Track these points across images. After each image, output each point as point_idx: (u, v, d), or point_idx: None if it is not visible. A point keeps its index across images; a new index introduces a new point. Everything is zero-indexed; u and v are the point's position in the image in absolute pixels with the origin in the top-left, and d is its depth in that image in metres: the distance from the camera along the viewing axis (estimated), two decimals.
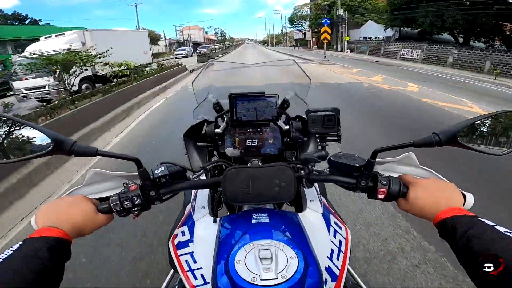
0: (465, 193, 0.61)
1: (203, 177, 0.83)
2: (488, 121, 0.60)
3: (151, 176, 0.64)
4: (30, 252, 0.45)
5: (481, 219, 0.49)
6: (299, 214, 0.78)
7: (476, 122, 0.59)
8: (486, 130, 0.61)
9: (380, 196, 0.64)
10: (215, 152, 1.09)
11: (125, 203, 0.62)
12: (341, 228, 0.78)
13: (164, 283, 1.03)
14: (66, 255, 0.52)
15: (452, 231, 0.50)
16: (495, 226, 0.46)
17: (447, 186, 0.61)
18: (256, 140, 0.96)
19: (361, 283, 0.90)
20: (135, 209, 0.63)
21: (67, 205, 0.58)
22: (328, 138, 0.71)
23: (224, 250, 0.60)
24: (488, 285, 0.39)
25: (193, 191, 0.98)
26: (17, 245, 0.46)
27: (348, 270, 0.91)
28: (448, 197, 0.58)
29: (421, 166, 0.73)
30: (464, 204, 0.59)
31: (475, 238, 0.45)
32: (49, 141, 0.54)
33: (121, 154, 0.61)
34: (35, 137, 0.56)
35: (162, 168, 0.65)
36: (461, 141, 0.58)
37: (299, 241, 0.62)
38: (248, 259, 0.54)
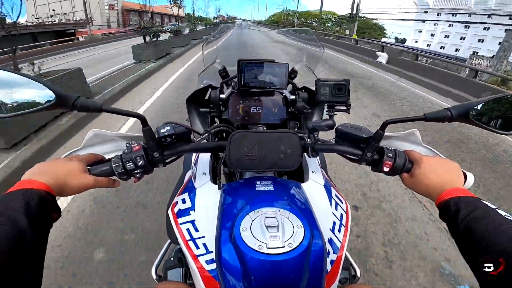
0: (466, 172, 0.62)
1: (205, 142, 0.82)
2: (501, 101, 0.59)
3: (156, 136, 0.62)
4: (1, 210, 0.39)
5: (484, 201, 0.49)
6: (302, 184, 0.78)
7: (489, 101, 0.58)
8: (498, 110, 0.60)
9: (385, 169, 0.64)
10: (216, 119, 1.08)
11: (127, 165, 0.60)
12: (341, 202, 0.79)
13: (159, 254, 1.00)
14: (49, 210, 0.46)
15: (454, 213, 0.50)
16: (497, 210, 0.46)
17: (452, 165, 0.61)
18: (261, 108, 0.95)
19: (351, 259, 0.91)
20: (138, 171, 0.61)
21: (56, 162, 0.55)
22: (336, 107, 0.70)
23: (228, 218, 0.59)
24: (488, 285, 0.39)
25: (194, 157, 0.98)
26: None
27: None
28: (452, 177, 0.58)
29: (424, 144, 0.73)
30: (464, 183, 0.60)
31: (478, 220, 0.45)
32: (52, 95, 0.52)
33: (126, 111, 0.58)
34: (39, 92, 0.53)
35: (168, 128, 0.62)
36: (473, 118, 0.57)
37: (304, 211, 0.62)
38: (254, 227, 0.54)
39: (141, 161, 0.61)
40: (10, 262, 0.35)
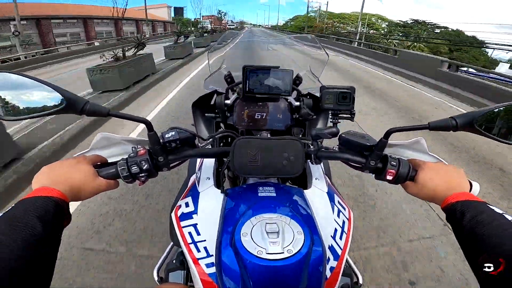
0: (471, 181, 0.61)
1: (209, 147, 0.83)
2: (508, 110, 0.58)
3: (161, 140, 0.63)
4: (18, 216, 0.40)
5: (491, 206, 0.49)
6: (304, 190, 0.78)
7: (495, 110, 0.58)
8: (504, 119, 0.59)
9: (389, 177, 0.64)
10: (222, 125, 1.09)
11: (132, 168, 0.61)
12: (344, 209, 0.79)
13: (161, 257, 1.00)
14: (62, 218, 0.47)
15: (460, 215, 0.49)
16: (504, 214, 0.46)
17: (456, 171, 0.61)
18: (265, 114, 0.96)
19: (353, 266, 0.91)
20: (142, 175, 0.62)
21: (66, 166, 0.55)
22: (341, 115, 0.70)
23: (229, 223, 0.60)
24: (488, 286, 0.39)
25: (198, 162, 0.98)
26: (7, 209, 0.42)
27: None
28: (457, 182, 0.58)
29: (430, 153, 0.72)
30: (470, 191, 0.59)
31: (484, 225, 0.44)
32: (62, 99, 0.53)
33: (132, 116, 0.59)
34: (49, 95, 0.54)
35: (173, 133, 0.64)
36: (478, 127, 0.57)
37: (305, 217, 0.62)
38: (255, 232, 0.54)
39: (146, 165, 0.62)
40: (25, 267, 0.37)
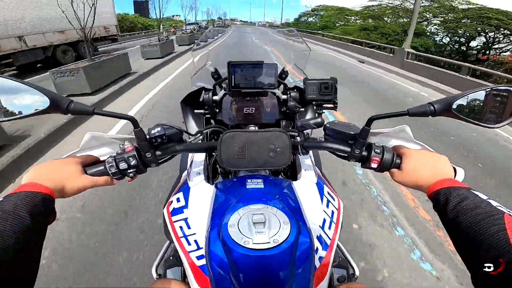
0: (456, 167, 0.62)
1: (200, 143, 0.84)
2: (482, 95, 0.61)
3: (147, 137, 0.64)
4: (7, 208, 0.41)
5: (475, 191, 0.49)
6: (293, 182, 0.79)
7: (470, 95, 0.60)
8: (480, 103, 0.61)
9: (373, 165, 0.65)
10: (212, 121, 1.10)
11: (120, 165, 0.62)
12: (334, 199, 0.80)
13: (159, 254, 1.01)
14: (48, 213, 0.49)
15: (444, 203, 0.50)
16: (489, 200, 0.46)
17: (440, 158, 0.62)
18: (254, 108, 0.97)
19: (349, 257, 0.91)
20: (131, 171, 0.63)
21: (54, 164, 0.57)
22: (324, 105, 0.71)
23: (218, 215, 0.61)
24: (488, 285, 0.39)
25: (189, 158, 0.99)
26: None
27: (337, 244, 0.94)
28: (441, 169, 0.59)
29: (415, 140, 0.74)
30: (455, 177, 0.60)
31: (468, 211, 0.45)
32: (46, 100, 0.54)
33: (117, 113, 0.61)
34: (33, 97, 0.55)
35: (159, 129, 0.65)
36: (456, 112, 0.58)
37: (292, 207, 0.63)
38: (241, 223, 0.55)
39: (134, 161, 0.63)
40: (13, 256, 0.38)
